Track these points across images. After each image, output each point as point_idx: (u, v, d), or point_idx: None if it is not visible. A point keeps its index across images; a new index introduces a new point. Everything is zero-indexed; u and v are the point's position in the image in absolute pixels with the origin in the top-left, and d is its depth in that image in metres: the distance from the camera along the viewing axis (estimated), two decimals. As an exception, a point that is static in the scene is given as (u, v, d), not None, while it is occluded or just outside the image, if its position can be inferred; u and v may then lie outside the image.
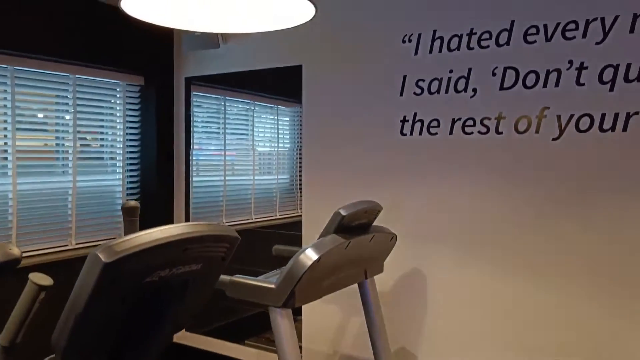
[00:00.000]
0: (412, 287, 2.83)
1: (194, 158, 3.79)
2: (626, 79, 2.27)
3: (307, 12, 1.57)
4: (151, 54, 3.65)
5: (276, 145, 4.50)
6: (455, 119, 2.67)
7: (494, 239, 2.59)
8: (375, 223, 2.36)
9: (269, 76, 3.59)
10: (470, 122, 2.64)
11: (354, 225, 2.20)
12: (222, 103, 4.05)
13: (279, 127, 4.52)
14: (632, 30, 2.26)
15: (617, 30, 2.29)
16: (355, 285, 2.46)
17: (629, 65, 2.26)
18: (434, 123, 2.73)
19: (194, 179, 3.79)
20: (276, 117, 4.50)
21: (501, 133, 2.56)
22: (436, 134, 2.73)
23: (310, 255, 1.97)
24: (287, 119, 4.61)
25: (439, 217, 2.74)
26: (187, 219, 3.76)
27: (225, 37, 3.47)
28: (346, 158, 3.02)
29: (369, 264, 2.41)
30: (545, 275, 2.47)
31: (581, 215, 2.38)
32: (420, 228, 2.79)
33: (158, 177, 3.70)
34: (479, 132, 2.61)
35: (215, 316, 3.76)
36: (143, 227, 1.40)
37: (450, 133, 2.69)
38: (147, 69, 3.65)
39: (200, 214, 3.82)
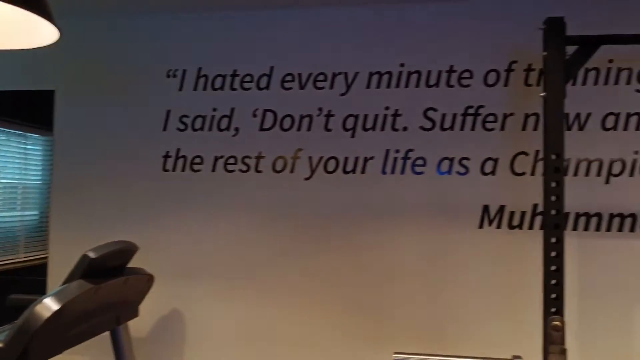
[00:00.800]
0: (172, 328, 2.72)
1: None
2: (364, 128, 2.59)
3: (48, 35, 1.43)
4: None
5: (24, 177, 3.97)
6: (218, 157, 2.71)
7: (253, 272, 2.66)
8: (131, 264, 2.22)
9: (17, 99, 3.17)
10: (232, 160, 2.70)
11: (107, 268, 2.03)
12: (-48, 126, 3.43)
13: (29, 157, 4.01)
14: (368, 86, 2.61)
15: (357, 85, 2.62)
16: (107, 332, 2.26)
17: (366, 116, 2.59)
18: (197, 160, 2.73)
19: None
20: (25, 146, 3.98)
21: (261, 172, 2.67)
22: (199, 170, 2.73)
23: (48, 306, 1.75)
24: (40, 148, 4.12)
25: (200, 254, 2.71)
26: None
27: (-42, 50, 2.96)
28: (104, 194, 2.80)
29: (122, 309, 2.25)
30: (298, 302, 2.62)
31: (326, 246, 2.61)
32: (181, 266, 2.72)
33: None
34: (240, 170, 2.69)
35: None
36: None
37: (213, 170, 2.72)
38: None
39: None
